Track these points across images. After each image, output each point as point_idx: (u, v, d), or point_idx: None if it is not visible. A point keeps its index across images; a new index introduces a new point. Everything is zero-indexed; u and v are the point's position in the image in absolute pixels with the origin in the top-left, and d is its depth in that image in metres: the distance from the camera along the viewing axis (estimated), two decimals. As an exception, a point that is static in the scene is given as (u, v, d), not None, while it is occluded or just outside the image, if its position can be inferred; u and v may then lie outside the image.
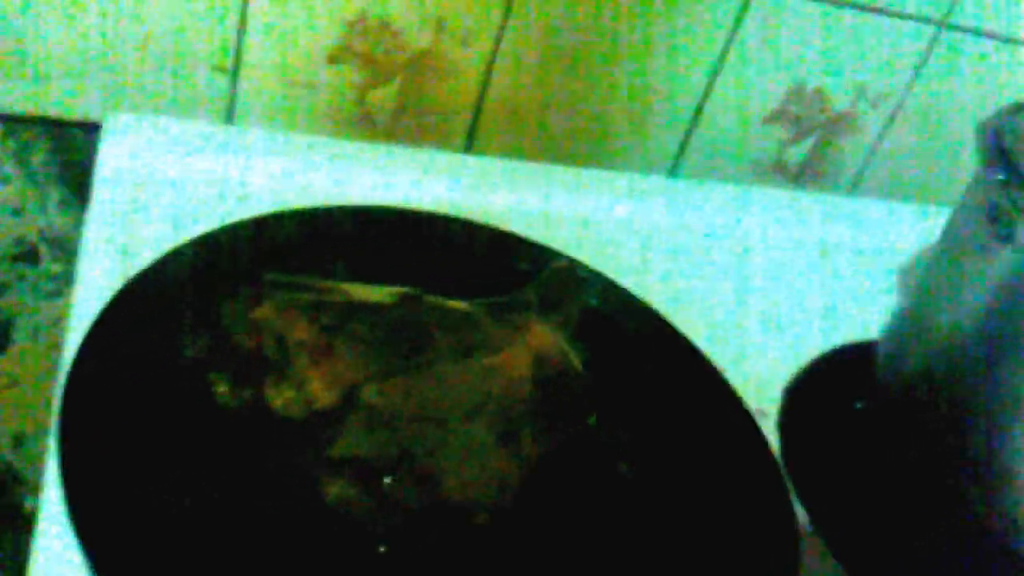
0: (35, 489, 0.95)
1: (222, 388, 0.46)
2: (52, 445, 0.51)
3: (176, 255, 0.51)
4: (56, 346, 0.88)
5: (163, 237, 0.60)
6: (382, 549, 0.44)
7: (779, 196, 0.88)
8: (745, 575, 0.49)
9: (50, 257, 0.82)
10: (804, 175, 0.92)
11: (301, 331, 0.49)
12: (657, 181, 0.85)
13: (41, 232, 0.81)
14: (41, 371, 0.88)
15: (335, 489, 0.45)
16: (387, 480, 0.45)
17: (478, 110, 0.81)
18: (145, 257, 0.57)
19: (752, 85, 0.85)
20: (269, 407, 0.46)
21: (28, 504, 0.95)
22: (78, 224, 0.81)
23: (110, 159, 0.68)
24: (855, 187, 0.94)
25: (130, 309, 0.48)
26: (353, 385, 0.48)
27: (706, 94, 0.85)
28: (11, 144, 0.76)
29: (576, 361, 0.53)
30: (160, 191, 0.66)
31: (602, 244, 0.73)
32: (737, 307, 0.76)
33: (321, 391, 0.47)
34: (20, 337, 0.86)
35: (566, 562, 0.48)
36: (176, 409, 0.46)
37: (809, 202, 0.88)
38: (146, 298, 0.48)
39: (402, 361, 0.50)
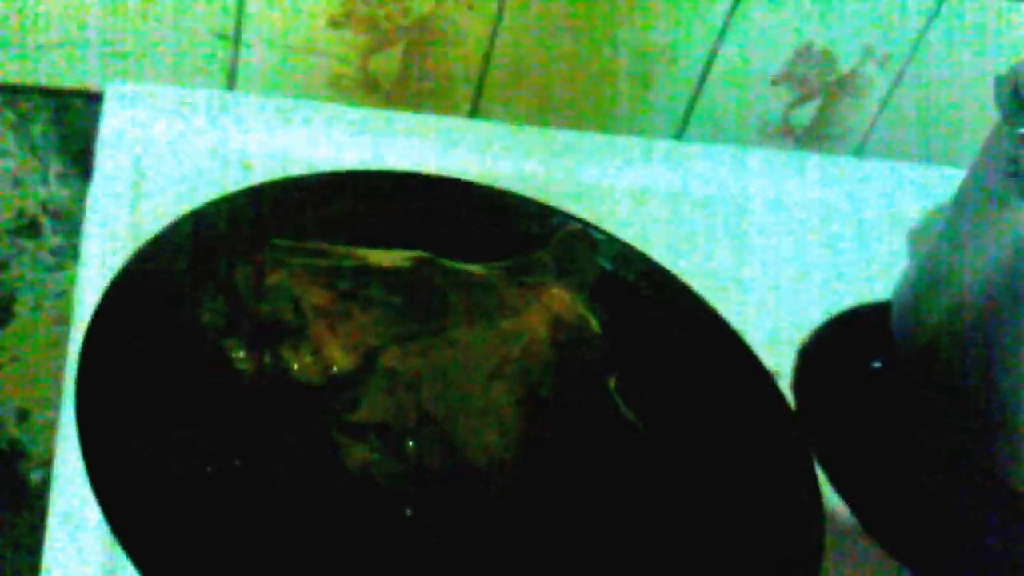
0: (41, 463, 0.95)
1: (239, 354, 0.46)
2: (63, 418, 0.51)
3: (185, 222, 0.50)
4: (59, 320, 0.87)
5: (168, 205, 0.59)
6: (407, 512, 0.44)
7: (785, 158, 0.87)
8: (767, 535, 0.49)
9: (51, 230, 0.81)
10: (810, 137, 0.91)
11: (317, 296, 0.48)
12: (663, 144, 0.84)
13: (42, 204, 0.80)
14: (44, 345, 0.87)
15: (358, 453, 0.44)
16: (410, 444, 0.45)
17: (482, 75, 0.80)
18: (151, 226, 0.56)
19: (758, 46, 0.84)
20: (287, 372, 0.46)
21: (34, 478, 0.95)
22: (79, 196, 0.80)
23: (112, 128, 0.67)
24: (861, 149, 0.93)
25: (141, 278, 0.47)
26: (371, 349, 0.47)
27: (712, 56, 0.84)
28: (10, 115, 0.74)
29: (594, 323, 0.53)
30: (163, 159, 0.66)
31: (608, 208, 0.72)
32: (744, 270, 0.75)
33: (339, 355, 0.47)
34: (22, 311, 0.85)
35: (587, 522, 0.47)
36: (193, 376, 0.45)
37: (816, 164, 0.88)
38: (157, 266, 0.47)
39: (420, 325, 0.49)
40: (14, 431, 0.92)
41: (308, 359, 0.46)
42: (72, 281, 0.84)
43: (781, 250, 0.78)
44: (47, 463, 0.94)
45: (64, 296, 0.85)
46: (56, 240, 0.82)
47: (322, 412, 0.45)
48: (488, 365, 0.49)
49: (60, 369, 0.89)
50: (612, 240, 0.59)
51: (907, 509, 0.56)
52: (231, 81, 0.74)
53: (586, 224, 0.59)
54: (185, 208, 0.56)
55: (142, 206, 0.61)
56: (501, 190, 0.59)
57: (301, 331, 0.47)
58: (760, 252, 0.78)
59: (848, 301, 0.73)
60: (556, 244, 0.56)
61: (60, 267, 0.83)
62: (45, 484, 0.96)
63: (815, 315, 0.71)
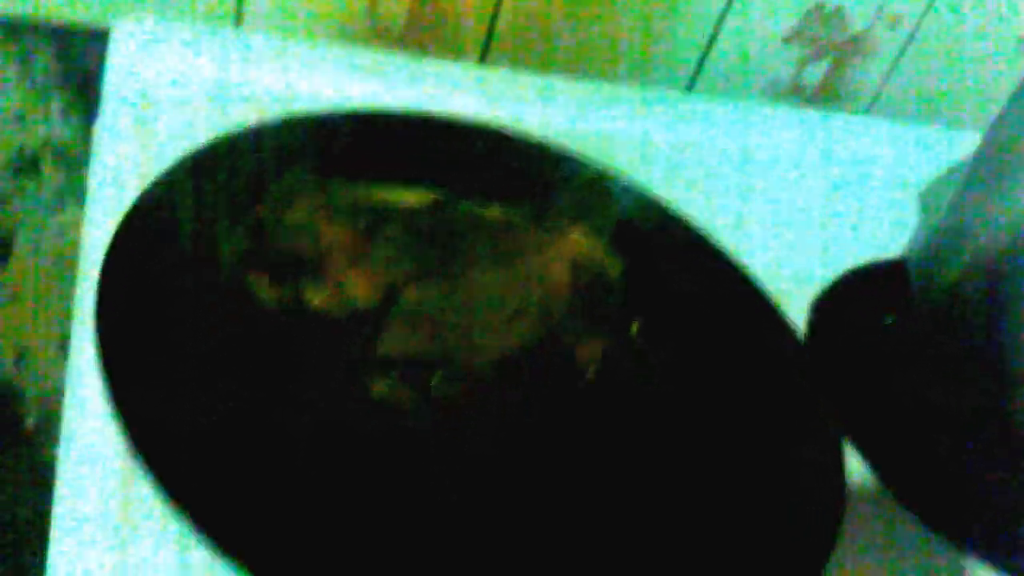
0: (36, 405, 0.94)
1: (262, 287, 0.45)
2: (74, 355, 0.50)
3: (199, 155, 0.49)
4: (58, 260, 0.86)
5: (175, 141, 0.58)
6: (428, 444, 0.44)
7: (796, 115, 0.87)
8: (789, 489, 0.49)
9: (52, 168, 0.80)
10: (819, 97, 0.91)
11: (337, 233, 0.47)
12: (673, 95, 0.83)
13: (43, 142, 0.78)
14: (43, 285, 0.86)
15: (381, 386, 0.44)
16: (432, 378, 0.44)
17: (492, 21, 0.78)
18: (158, 163, 0.55)
19: (771, 3, 0.83)
20: (308, 306, 0.45)
21: (29, 421, 0.94)
22: (82, 134, 0.78)
23: (119, 64, 0.65)
24: (870, 109, 0.93)
25: (155, 210, 0.46)
26: (392, 286, 0.47)
27: (724, 10, 0.83)
28: (13, 50, 0.73)
29: (614, 269, 0.52)
30: (170, 96, 0.64)
31: (615, 157, 0.71)
32: (752, 226, 0.75)
33: (360, 291, 0.46)
34: (21, 251, 0.84)
35: (603, 465, 0.47)
36: (213, 310, 0.44)
37: (825, 122, 0.87)
38: (171, 199, 0.46)
39: (439, 265, 0.48)
40: (10, 372, 0.91)
41: (329, 294, 0.46)
42: (72, 221, 0.83)
43: (789, 207, 0.78)
44: (43, 405, 0.94)
45: (64, 236, 0.84)
46: (57, 179, 0.80)
47: (344, 345, 0.45)
48: (509, 306, 0.48)
49: (59, 310, 0.88)
50: (630, 187, 0.59)
51: (921, 463, 0.56)
52: (238, 19, 0.73)
53: (604, 171, 0.59)
54: (197, 143, 0.55)
55: (149, 143, 0.60)
56: (519, 134, 0.59)
57: (322, 266, 0.46)
58: (768, 208, 0.77)
59: (856, 259, 0.73)
60: (574, 189, 0.55)
61: (60, 206, 0.82)
62: (40, 427, 0.95)
63: (823, 272, 0.71)
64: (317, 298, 0.46)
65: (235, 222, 0.47)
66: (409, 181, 0.53)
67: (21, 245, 0.84)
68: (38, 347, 0.90)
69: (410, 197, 0.51)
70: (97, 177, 0.59)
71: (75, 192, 0.81)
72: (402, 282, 0.47)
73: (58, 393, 0.94)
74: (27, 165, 0.79)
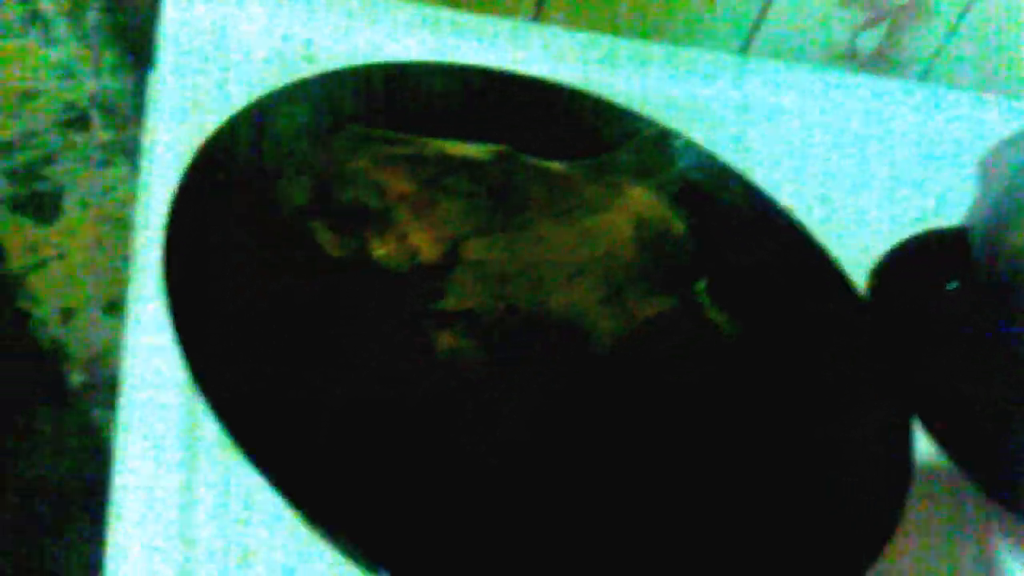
0: (82, 364, 0.94)
1: (325, 236, 0.44)
2: (132, 310, 0.49)
3: (257, 108, 0.49)
4: (106, 217, 0.86)
5: (234, 95, 0.58)
6: (493, 398, 0.43)
7: (852, 80, 0.85)
8: (853, 460, 0.48)
9: (101, 124, 0.79)
10: (874, 62, 0.89)
11: (400, 183, 0.47)
12: (727, 59, 0.82)
13: (92, 97, 0.78)
14: (91, 243, 0.86)
15: (445, 340, 0.43)
16: (496, 332, 0.44)
17: (548, -21, 0.77)
18: (216, 116, 0.55)
19: (831, -37, 0.82)
20: (371, 258, 0.45)
21: (75, 379, 0.94)
22: (131, 88, 0.78)
23: (175, 16, 0.65)
24: (925, 76, 0.91)
25: (217, 163, 0.46)
26: (456, 239, 0.46)
27: (783, -29, 0.81)
28: (63, 3, 0.73)
29: (679, 225, 0.51)
30: (226, 49, 0.64)
31: (667, 119, 0.70)
32: (807, 192, 0.74)
33: (425, 244, 0.45)
34: (69, 207, 0.84)
35: (666, 425, 0.46)
36: (278, 260, 0.44)
37: (882, 88, 0.86)
38: (233, 152, 0.46)
39: (503, 218, 0.48)
40: (57, 331, 0.91)
41: (393, 246, 0.45)
42: (121, 177, 0.83)
43: (846, 172, 0.77)
44: (89, 364, 0.94)
45: (112, 193, 0.83)
46: (105, 135, 0.80)
47: (408, 298, 0.44)
48: (572, 262, 0.47)
49: (106, 269, 0.88)
50: (692, 145, 0.57)
51: (986, 434, 0.55)
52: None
53: (667, 129, 0.58)
54: (256, 94, 0.54)
55: (205, 95, 0.59)
56: (579, 90, 0.58)
57: (385, 217, 0.45)
58: (823, 175, 0.76)
59: (914, 226, 0.72)
60: (636, 146, 0.54)
61: (109, 162, 0.82)
62: (86, 386, 0.96)
63: (880, 239, 0.69)
64: (381, 250, 0.45)
65: (298, 173, 0.46)
66: (471, 134, 0.52)
67: (69, 201, 0.84)
68: (85, 306, 0.90)
69: (472, 150, 0.50)
70: (154, 130, 0.59)
71: (124, 148, 0.81)
72: (466, 236, 0.46)
73: (105, 353, 0.94)
74: (76, 120, 0.79)
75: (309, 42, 0.65)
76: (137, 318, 0.48)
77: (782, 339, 0.51)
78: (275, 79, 0.59)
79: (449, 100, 0.55)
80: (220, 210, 0.44)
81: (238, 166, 0.45)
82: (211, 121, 0.54)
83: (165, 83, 0.61)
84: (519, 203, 0.49)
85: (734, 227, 0.55)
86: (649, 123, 0.58)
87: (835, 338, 0.52)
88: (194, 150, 0.49)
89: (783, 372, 0.50)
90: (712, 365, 0.49)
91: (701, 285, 0.51)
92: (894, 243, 0.68)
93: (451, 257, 0.45)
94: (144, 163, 0.59)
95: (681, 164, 0.55)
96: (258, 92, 0.57)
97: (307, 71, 0.59)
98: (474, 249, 0.46)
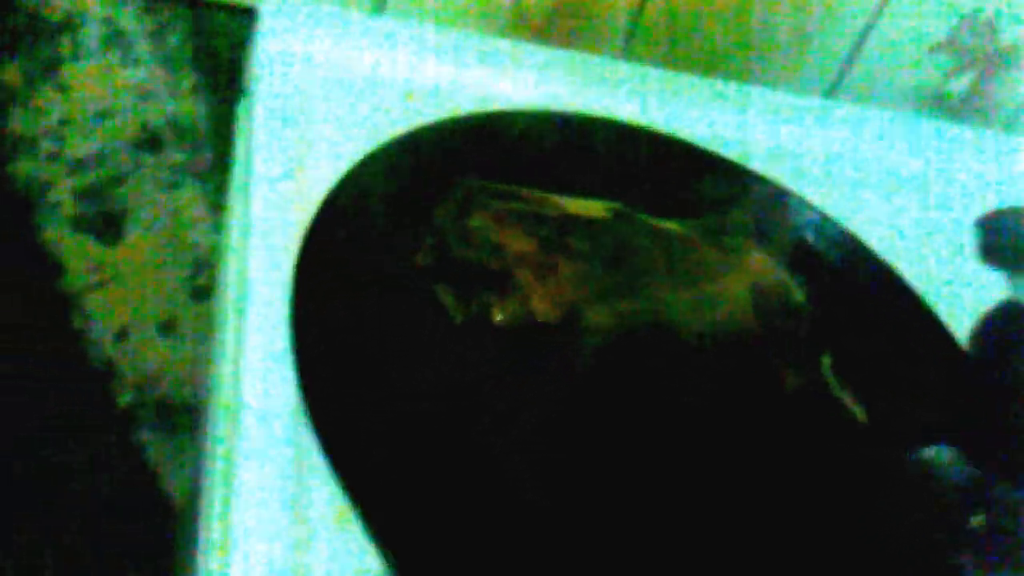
0: (132, 386, 0.92)
1: (449, 302, 0.43)
2: (251, 359, 0.47)
3: (373, 160, 0.47)
4: (170, 240, 0.84)
5: (331, 132, 0.56)
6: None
7: (939, 128, 0.83)
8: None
9: (175, 146, 0.78)
10: (962, 108, 0.87)
11: (521, 243, 0.45)
12: (813, 102, 0.80)
13: (168, 119, 0.76)
14: (151, 265, 0.84)
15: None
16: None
17: (637, 15, 0.75)
18: (316, 151, 0.54)
19: (926, 8, 0.80)
20: (491, 320, 0.43)
21: (124, 399, 0.92)
22: (208, 112, 0.76)
23: (268, 47, 0.63)
24: (1012, 124, 0.89)
25: (340, 218, 0.44)
26: (576, 304, 0.44)
27: (876, 15, 0.79)
28: (148, 23, 0.71)
29: (798, 293, 0.49)
30: (318, 83, 0.62)
31: (752, 162, 0.68)
32: (892, 240, 0.71)
33: (545, 308, 0.43)
34: (132, 228, 0.82)
35: (799, 502, 0.44)
36: (404, 315, 0.42)
37: (971, 136, 0.84)
38: (356, 203, 0.44)
39: (623, 282, 0.46)
40: (109, 350, 0.89)
41: (514, 309, 0.43)
42: (188, 201, 0.81)
43: (934, 224, 0.74)
44: (139, 386, 0.92)
45: (177, 216, 0.82)
46: (177, 157, 0.78)
47: (530, 359, 0.42)
48: (693, 330, 0.45)
49: (163, 291, 0.87)
50: (806, 205, 0.55)
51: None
52: (380, 5, 0.70)
53: (781, 187, 0.55)
54: (347, 135, 0.53)
55: (305, 129, 0.58)
56: (690, 143, 0.55)
57: (507, 280, 0.43)
58: (906, 225, 0.74)
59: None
60: (754, 204, 0.52)
61: (177, 185, 0.80)
62: (135, 406, 0.94)
63: (968, 299, 0.67)
64: (502, 314, 0.43)
65: (423, 228, 0.45)
66: (578, 185, 0.50)
67: (133, 222, 0.82)
68: (139, 326, 0.88)
69: (589, 207, 0.48)
70: (246, 159, 0.57)
71: (194, 171, 0.79)
72: (586, 301, 0.44)
73: (155, 375, 0.92)
74: (148, 141, 0.77)
75: (395, 79, 0.63)
76: (249, 359, 0.46)
77: (906, 422, 0.49)
78: (371, 117, 0.57)
79: (562, 150, 0.53)
80: (343, 266, 0.42)
81: (360, 220, 0.43)
82: (310, 157, 0.53)
83: (259, 117, 0.59)
84: (639, 266, 0.47)
85: (849, 295, 0.53)
86: (760, 179, 0.56)
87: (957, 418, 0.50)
88: (297, 190, 0.48)
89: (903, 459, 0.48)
90: (841, 443, 0.47)
91: (827, 361, 0.48)
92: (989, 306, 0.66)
93: (569, 322, 0.43)
94: (237, 198, 0.57)
95: (799, 226, 0.53)
96: (354, 128, 0.55)
97: (402, 109, 0.58)
98: (592, 316, 0.44)
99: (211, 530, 0.43)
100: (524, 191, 0.48)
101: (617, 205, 0.49)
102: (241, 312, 0.49)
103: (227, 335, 0.51)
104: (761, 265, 0.49)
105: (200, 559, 0.45)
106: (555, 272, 0.44)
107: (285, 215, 0.51)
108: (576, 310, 0.44)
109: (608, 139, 0.54)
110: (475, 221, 0.45)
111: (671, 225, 0.50)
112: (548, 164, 0.51)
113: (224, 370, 0.51)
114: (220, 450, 0.46)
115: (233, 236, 0.56)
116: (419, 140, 0.48)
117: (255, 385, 0.43)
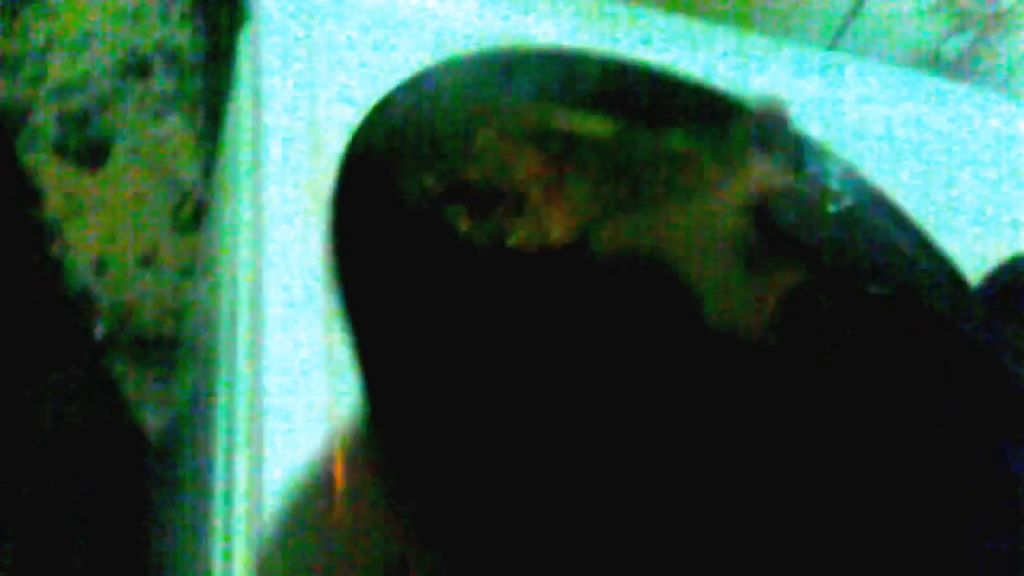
0: (108, 316, 0.90)
1: (463, 222, 0.42)
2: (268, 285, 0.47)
3: (402, 92, 0.45)
4: (154, 169, 0.82)
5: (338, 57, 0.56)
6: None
7: (937, 85, 0.83)
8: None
9: (163, 72, 0.76)
10: (958, 69, 0.87)
11: (528, 159, 0.44)
12: (815, 54, 0.80)
13: (157, 44, 0.74)
14: (133, 195, 0.82)
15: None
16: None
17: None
18: (325, 79, 0.54)
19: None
20: (504, 241, 0.42)
21: (98, 330, 0.91)
22: (199, 40, 0.74)
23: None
24: (1006, 86, 0.89)
25: (371, 154, 0.43)
26: (587, 224, 0.43)
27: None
28: (140, -58, 0.69)
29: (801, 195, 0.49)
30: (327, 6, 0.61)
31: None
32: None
33: (558, 229, 0.43)
34: (117, 156, 0.80)
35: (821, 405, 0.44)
36: (427, 244, 0.41)
37: (967, 96, 0.84)
38: (380, 144, 0.42)
39: (629, 197, 0.45)
40: (89, 281, 0.87)
41: (527, 231, 0.42)
42: (174, 130, 0.79)
43: (927, 182, 0.75)
44: (116, 318, 0.90)
45: (163, 145, 0.80)
46: (166, 84, 0.76)
47: (544, 282, 0.42)
48: (703, 242, 0.45)
49: (146, 222, 0.85)
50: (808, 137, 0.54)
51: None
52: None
53: (775, 96, 0.54)
54: (362, 62, 0.52)
55: (315, 59, 0.57)
56: (692, 80, 0.55)
57: (519, 200, 0.43)
58: (905, 182, 0.74)
59: (997, 241, 0.70)
60: (751, 115, 0.51)
61: (164, 112, 0.78)
62: (112, 338, 0.92)
63: (967, 256, 0.67)
64: (515, 235, 0.42)
65: (432, 153, 0.44)
66: (591, 110, 0.50)
67: (117, 151, 0.80)
68: (119, 257, 0.87)
69: (594, 121, 0.48)
70: (258, 94, 0.56)
71: (182, 100, 0.78)
72: (596, 217, 0.44)
73: (134, 307, 0.91)
74: (136, 67, 0.75)
75: (404, 20, 0.62)
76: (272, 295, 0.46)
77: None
78: (389, 46, 0.57)
79: (568, 80, 0.52)
80: (375, 202, 0.41)
81: (392, 157, 0.42)
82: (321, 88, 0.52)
83: (267, 44, 0.58)
84: (644, 180, 0.46)
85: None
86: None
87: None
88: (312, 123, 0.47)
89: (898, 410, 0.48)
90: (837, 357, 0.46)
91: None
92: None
93: (580, 243, 0.43)
94: (261, 126, 0.56)
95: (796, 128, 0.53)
96: (361, 57, 0.55)
97: (408, 47, 0.57)
98: (601, 236, 0.43)
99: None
100: (529, 105, 0.47)
101: (620, 120, 0.48)
102: (257, 247, 0.48)
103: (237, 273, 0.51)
104: (763, 173, 0.49)
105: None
106: (563, 188, 0.44)
107: (302, 148, 0.51)
108: (586, 230, 0.44)
109: (610, 75, 0.53)
110: (481, 140, 0.44)
111: (674, 139, 0.49)
112: (554, 90, 0.50)
113: (233, 308, 0.50)
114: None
115: (239, 168, 0.55)
116: (434, 78, 0.46)
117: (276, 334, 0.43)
